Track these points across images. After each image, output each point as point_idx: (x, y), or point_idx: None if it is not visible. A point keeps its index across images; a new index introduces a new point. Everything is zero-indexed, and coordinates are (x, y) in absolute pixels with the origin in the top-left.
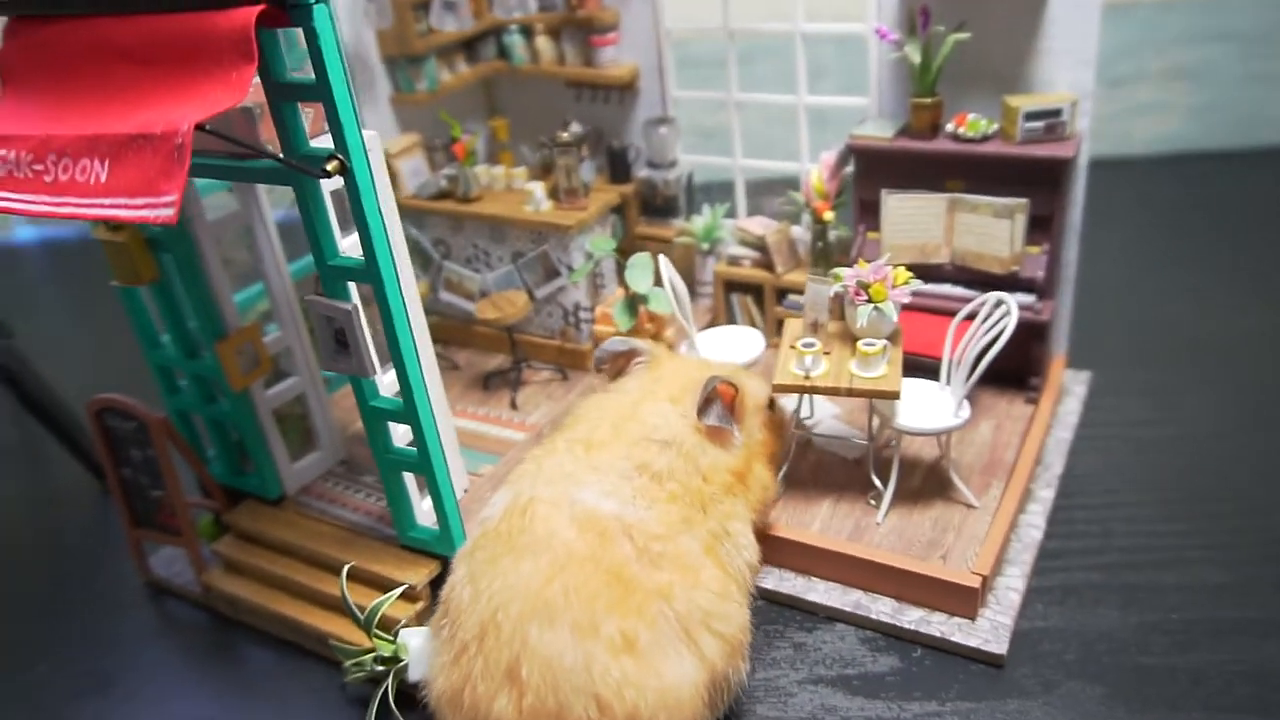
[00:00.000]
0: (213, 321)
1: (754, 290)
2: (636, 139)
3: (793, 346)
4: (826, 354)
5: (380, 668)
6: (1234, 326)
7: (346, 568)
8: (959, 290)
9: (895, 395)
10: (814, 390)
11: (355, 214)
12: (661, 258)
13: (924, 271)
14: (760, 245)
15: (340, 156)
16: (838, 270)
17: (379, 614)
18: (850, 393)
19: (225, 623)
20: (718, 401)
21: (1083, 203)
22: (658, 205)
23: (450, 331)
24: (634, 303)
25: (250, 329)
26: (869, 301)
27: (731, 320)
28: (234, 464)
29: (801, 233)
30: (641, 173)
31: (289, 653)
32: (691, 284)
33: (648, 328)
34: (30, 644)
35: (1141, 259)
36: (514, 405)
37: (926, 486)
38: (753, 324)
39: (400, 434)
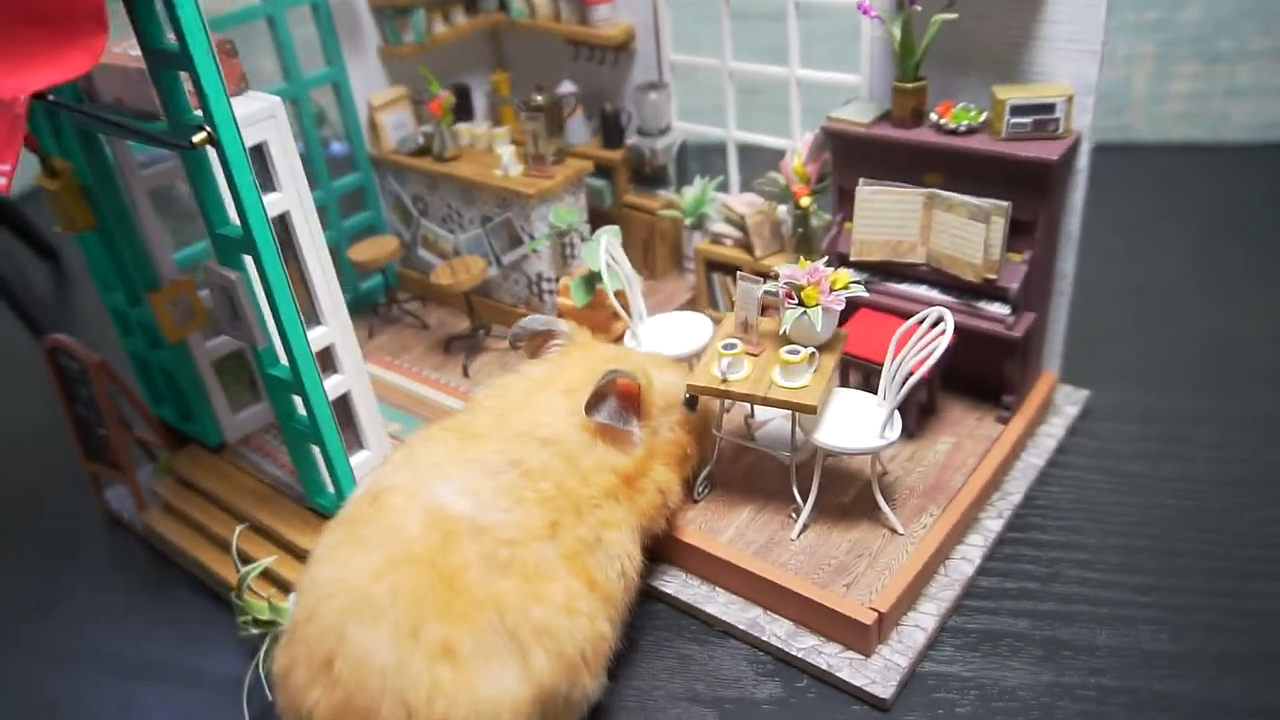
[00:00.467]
0: (145, 272)
1: (735, 271)
2: (631, 103)
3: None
4: (754, 356)
5: (255, 630)
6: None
7: (239, 529)
8: (934, 294)
9: (810, 410)
10: (727, 395)
11: (229, 185)
12: (608, 235)
13: (898, 271)
14: (742, 225)
15: (208, 128)
16: (780, 266)
17: (247, 580)
18: (765, 402)
19: (166, 561)
20: (611, 398)
21: (1082, 208)
22: (646, 174)
23: (430, 289)
24: (591, 279)
25: (184, 283)
26: (799, 305)
27: (713, 301)
28: (181, 408)
29: (786, 215)
30: (630, 139)
31: (216, 599)
32: (679, 260)
33: (608, 305)
34: None
35: (1202, 265)
36: (465, 373)
37: (856, 505)
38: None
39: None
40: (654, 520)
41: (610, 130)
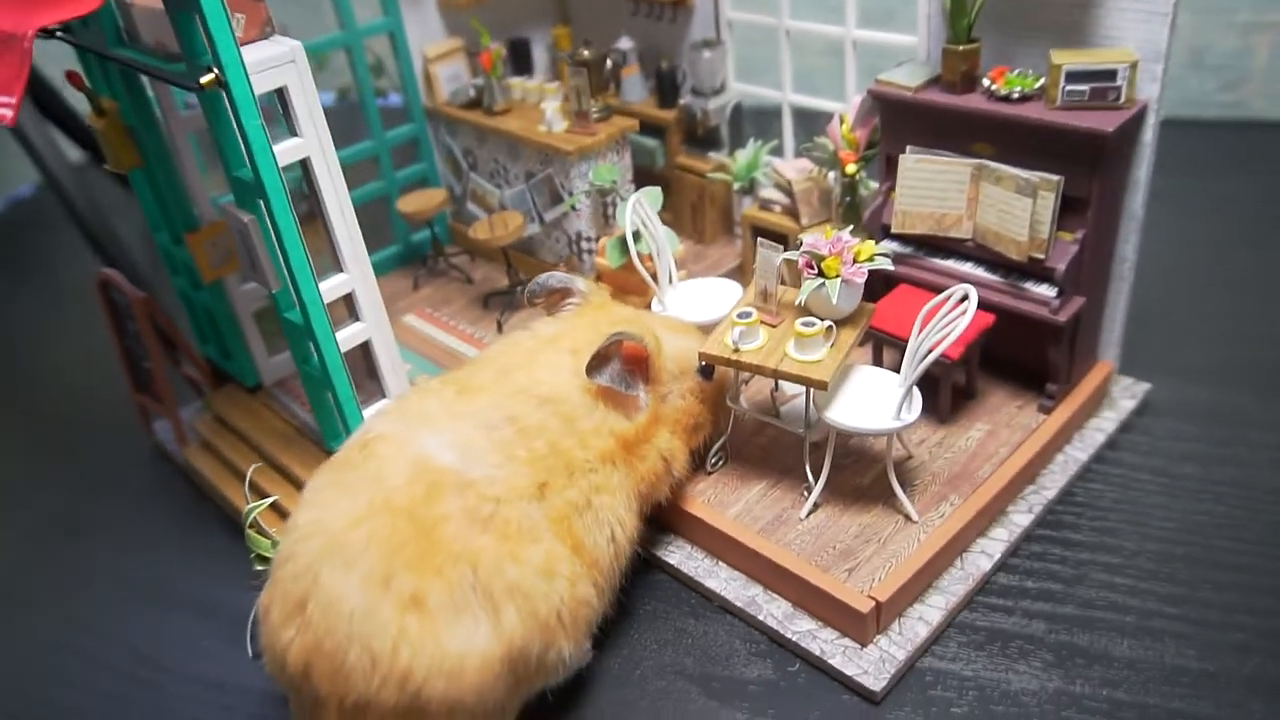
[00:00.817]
0: (184, 213)
1: (783, 239)
2: (686, 61)
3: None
4: (771, 326)
5: (260, 567)
6: None
7: (253, 467)
8: (979, 271)
9: (822, 385)
10: (738, 365)
11: (237, 128)
12: (639, 198)
13: (943, 245)
14: (789, 191)
15: (215, 70)
16: (804, 234)
17: (251, 517)
18: (775, 374)
19: (203, 495)
20: (616, 360)
21: (1147, 185)
22: (699, 135)
23: (473, 243)
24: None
25: (221, 225)
26: (818, 276)
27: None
28: (222, 348)
29: (835, 182)
30: (683, 99)
31: (241, 535)
32: (729, 224)
33: (649, 266)
34: (35, 484)
35: None
36: (500, 328)
37: (874, 488)
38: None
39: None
40: (655, 488)
41: (665, 89)
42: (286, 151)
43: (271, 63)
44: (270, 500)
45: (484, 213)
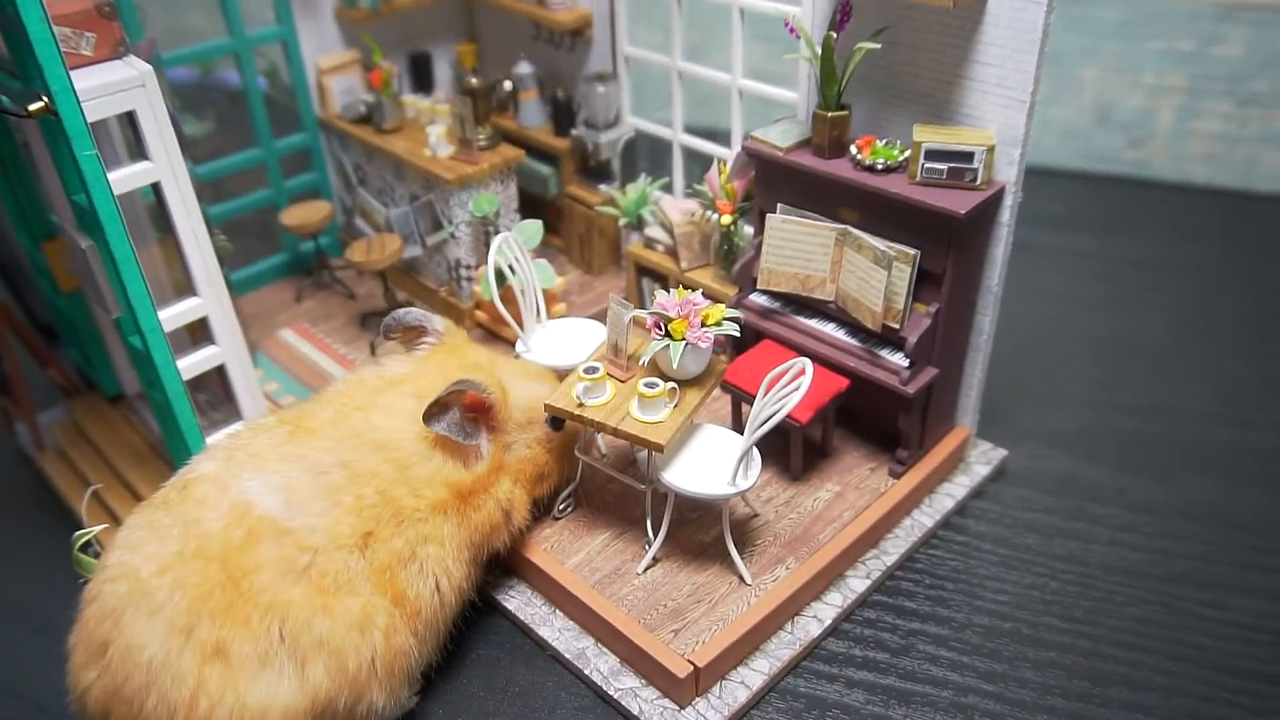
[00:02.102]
0: (39, 220)
1: (664, 279)
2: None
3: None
4: (620, 381)
5: None
6: (1243, 441)
7: (91, 489)
8: (839, 334)
9: (658, 448)
10: (581, 420)
11: (69, 158)
12: (508, 238)
13: (808, 304)
14: (671, 232)
15: (45, 97)
16: (659, 291)
17: (79, 542)
18: (615, 433)
19: (58, 503)
20: (455, 409)
21: (1003, 262)
22: (591, 167)
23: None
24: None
25: None
26: (665, 336)
27: (642, 305)
28: (84, 354)
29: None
30: (576, 130)
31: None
32: (617, 257)
33: (513, 309)
34: None
35: (1186, 325)
36: (373, 351)
37: (715, 545)
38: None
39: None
40: (490, 538)
41: (561, 117)
42: (134, 176)
43: (120, 86)
44: (100, 529)
45: (371, 229)
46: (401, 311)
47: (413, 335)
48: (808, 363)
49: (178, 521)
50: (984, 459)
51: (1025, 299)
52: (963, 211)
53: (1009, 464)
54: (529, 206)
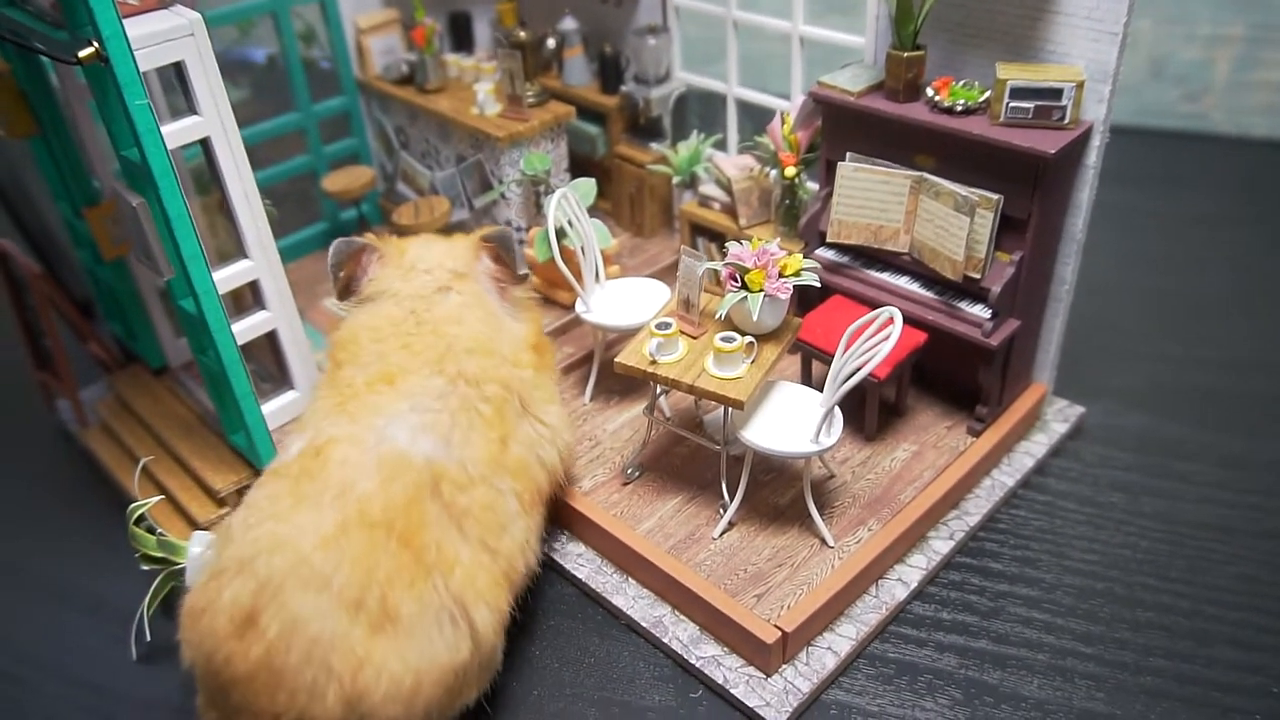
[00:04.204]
0: (83, 186)
1: (721, 238)
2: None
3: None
4: (693, 338)
5: (145, 567)
6: None
7: (141, 463)
8: (914, 287)
9: (738, 405)
10: (654, 378)
11: (121, 108)
12: (566, 193)
13: (880, 257)
14: (729, 189)
15: (96, 44)
16: (731, 242)
17: (134, 516)
18: (691, 390)
19: (102, 480)
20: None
21: (1089, 208)
22: (641, 124)
23: (398, 228)
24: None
25: None
26: (742, 289)
27: None
28: (126, 326)
29: (776, 183)
30: (625, 86)
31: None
32: (669, 218)
33: (573, 264)
34: None
35: (1250, 281)
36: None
37: (792, 508)
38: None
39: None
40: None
41: (608, 74)
42: (183, 131)
43: (167, 35)
44: (156, 500)
45: (414, 193)
46: (336, 244)
47: (354, 264)
48: (895, 312)
49: (328, 488)
50: (1060, 416)
51: (1084, 254)
52: (1052, 151)
53: (1086, 421)
54: (577, 167)
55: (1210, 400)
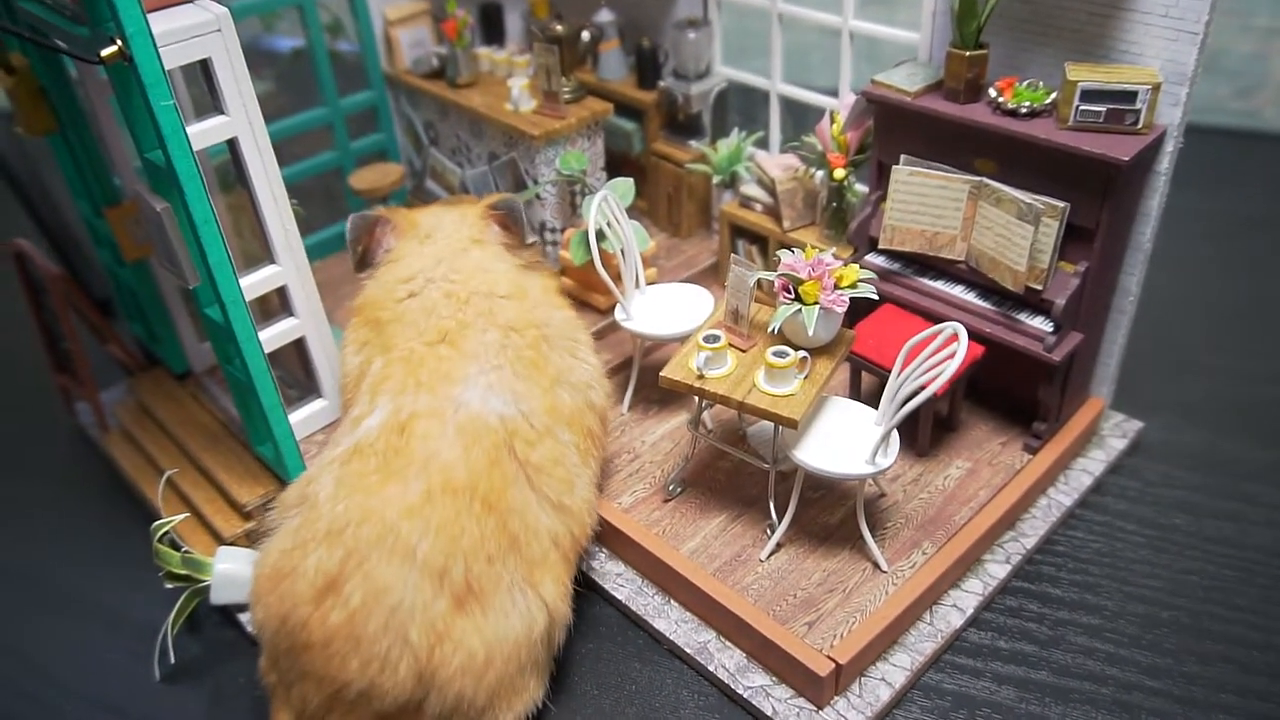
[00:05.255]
0: (104, 185)
1: (763, 241)
2: (669, 40)
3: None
4: (741, 351)
5: (169, 585)
6: None
7: (165, 475)
8: (970, 297)
9: (791, 424)
10: (702, 394)
11: (145, 108)
12: (607, 195)
13: (934, 265)
14: (772, 190)
15: (119, 41)
16: (783, 251)
17: (159, 534)
18: (741, 408)
19: (122, 486)
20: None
21: (1158, 216)
22: (680, 121)
23: None
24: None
25: None
26: (795, 301)
27: None
28: (148, 329)
29: (822, 184)
30: (664, 81)
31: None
32: (707, 218)
33: (612, 267)
34: None
35: None
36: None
37: (843, 528)
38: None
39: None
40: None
41: (645, 69)
42: (210, 131)
43: (193, 31)
44: (180, 518)
45: (444, 191)
46: (352, 220)
47: (369, 238)
48: (960, 328)
49: (412, 460)
50: (1118, 431)
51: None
52: (1126, 158)
53: (1144, 436)
54: (612, 165)
55: (1271, 415)
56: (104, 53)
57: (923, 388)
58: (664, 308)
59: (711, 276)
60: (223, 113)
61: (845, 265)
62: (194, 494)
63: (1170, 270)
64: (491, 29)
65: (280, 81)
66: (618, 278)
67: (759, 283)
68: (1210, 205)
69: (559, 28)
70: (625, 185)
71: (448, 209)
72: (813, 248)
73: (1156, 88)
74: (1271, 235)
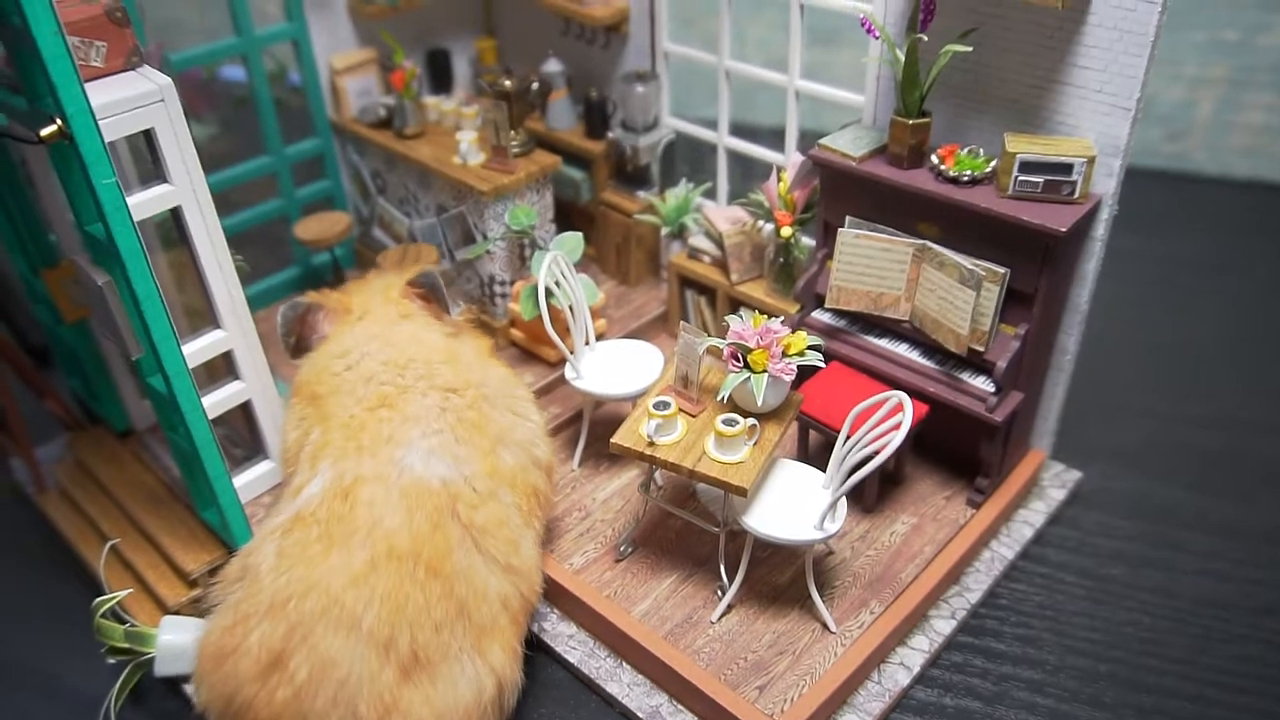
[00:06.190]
0: (40, 245)
1: (712, 292)
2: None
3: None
4: (691, 416)
5: (112, 660)
6: None
7: (109, 544)
8: (915, 356)
9: (741, 493)
10: (653, 461)
11: (87, 186)
12: (559, 254)
13: (879, 323)
14: (720, 243)
15: (59, 121)
16: (731, 317)
17: (100, 611)
18: (693, 475)
19: (59, 548)
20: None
21: (1093, 279)
22: (628, 171)
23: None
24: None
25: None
26: (744, 369)
27: (686, 320)
28: (88, 386)
29: (770, 238)
30: (612, 132)
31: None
32: (655, 267)
33: (560, 324)
34: None
35: (1248, 331)
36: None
37: (793, 587)
38: (707, 332)
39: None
40: None
41: (594, 119)
42: (153, 201)
43: (135, 103)
44: (122, 594)
45: (391, 240)
46: (282, 309)
47: (300, 324)
48: (904, 397)
49: (356, 528)
50: (1058, 481)
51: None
52: (1064, 229)
53: (1083, 486)
54: (561, 214)
55: (1203, 461)
56: (43, 133)
57: (870, 456)
58: (614, 365)
59: (660, 326)
60: (166, 181)
61: (793, 333)
62: (137, 559)
63: (1105, 313)
64: (439, 75)
65: (224, 125)
66: (565, 332)
67: (711, 350)
68: (1142, 246)
69: (507, 83)
70: (574, 240)
71: (370, 288)
72: (760, 315)
73: (1091, 160)
74: (1202, 276)
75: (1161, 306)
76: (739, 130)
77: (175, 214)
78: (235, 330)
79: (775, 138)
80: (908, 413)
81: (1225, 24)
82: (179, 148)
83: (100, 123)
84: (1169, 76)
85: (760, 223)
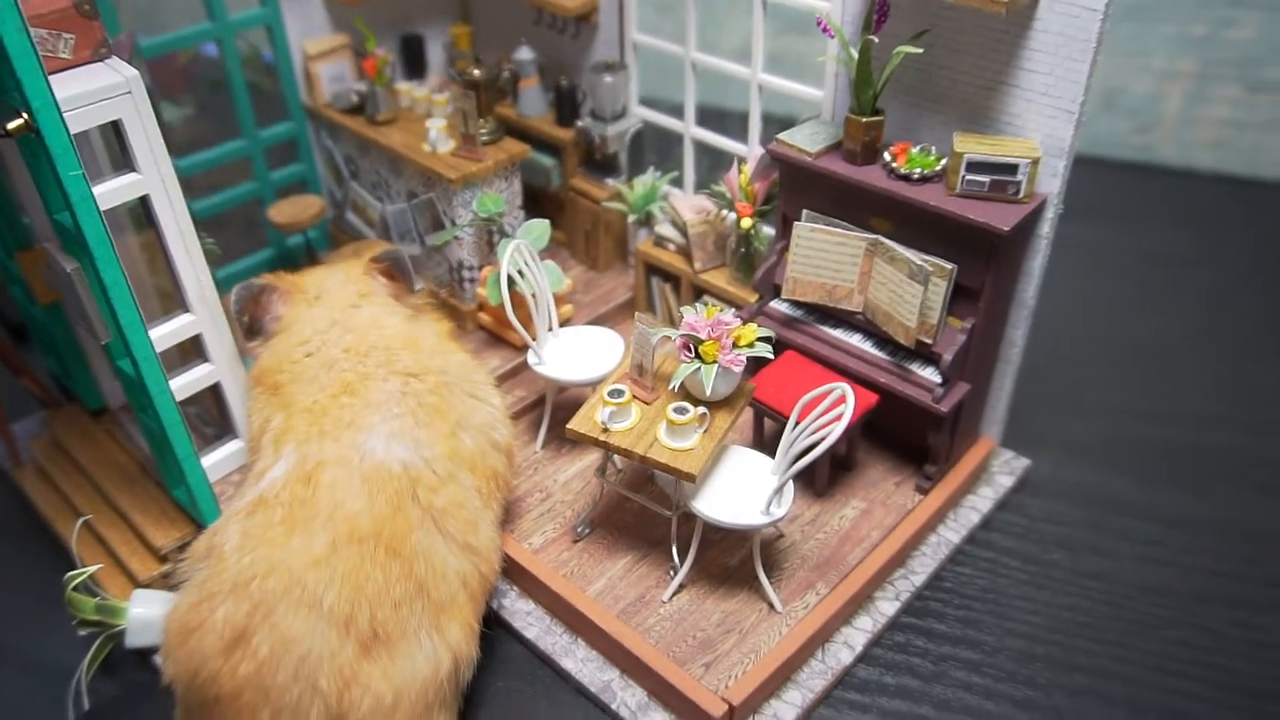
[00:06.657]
0: (13, 228)
1: (676, 280)
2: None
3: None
4: (645, 404)
5: (83, 632)
6: (1265, 450)
7: (81, 520)
8: (867, 346)
9: (689, 478)
10: (606, 447)
11: (53, 178)
12: (521, 244)
13: (834, 314)
14: (685, 232)
15: (24, 114)
16: (686, 308)
17: (72, 584)
18: (644, 461)
19: (36, 524)
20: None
21: (1039, 275)
22: (596, 159)
23: None
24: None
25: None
26: (695, 360)
27: (650, 306)
28: (62, 365)
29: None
30: (581, 121)
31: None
32: (623, 253)
33: (522, 312)
34: None
35: (1208, 324)
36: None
37: (742, 569)
38: (670, 319)
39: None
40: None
41: (564, 107)
42: (122, 189)
43: (103, 95)
44: (94, 569)
45: (365, 224)
46: (235, 290)
47: (255, 305)
48: (847, 389)
49: (318, 511)
50: (1007, 469)
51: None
52: (1007, 228)
53: (1032, 474)
54: (530, 199)
55: (1153, 453)
56: (9, 126)
57: (814, 445)
58: (576, 352)
59: (627, 312)
60: (134, 170)
61: (744, 325)
62: (110, 535)
63: (1066, 303)
64: (412, 61)
65: (199, 106)
66: (529, 320)
67: (664, 338)
68: (1108, 238)
69: (476, 73)
70: (540, 228)
71: (334, 268)
72: (714, 306)
73: (1036, 161)
74: (1166, 270)
75: (1126, 299)
76: (713, 115)
77: (144, 202)
78: (204, 314)
79: (747, 123)
80: (849, 405)
81: (1193, 18)
82: (146, 138)
83: (67, 115)
84: (1138, 68)
85: (725, 212)
